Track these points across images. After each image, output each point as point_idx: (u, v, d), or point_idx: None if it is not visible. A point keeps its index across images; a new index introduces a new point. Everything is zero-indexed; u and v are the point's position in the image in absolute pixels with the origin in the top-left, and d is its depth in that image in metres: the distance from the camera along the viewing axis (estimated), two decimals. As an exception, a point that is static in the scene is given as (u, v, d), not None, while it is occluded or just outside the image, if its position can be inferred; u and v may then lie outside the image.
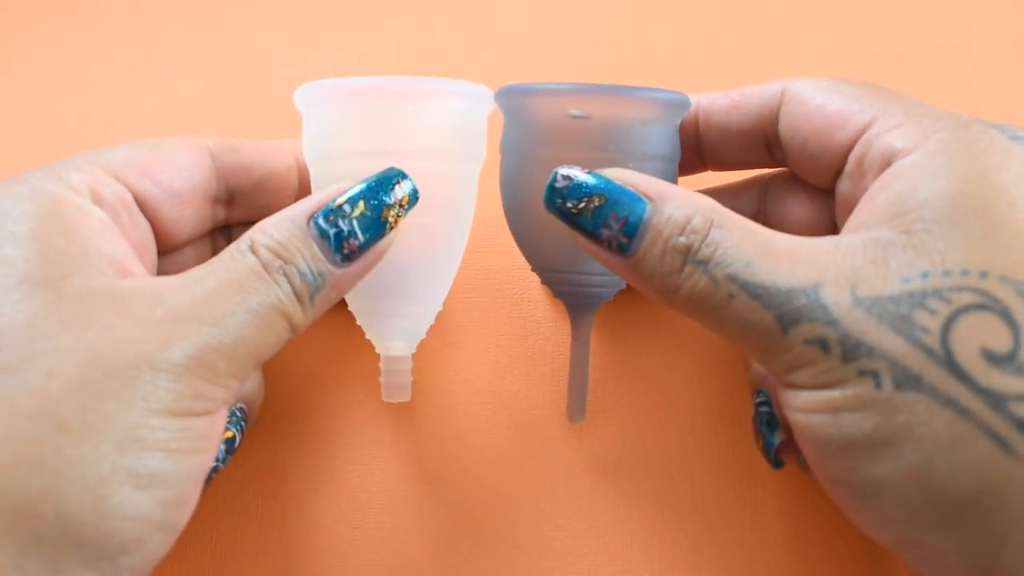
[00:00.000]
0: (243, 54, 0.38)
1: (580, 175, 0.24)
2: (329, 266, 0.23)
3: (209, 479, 0.25)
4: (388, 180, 0.24)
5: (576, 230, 0.24)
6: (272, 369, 0.32)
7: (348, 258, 0.23)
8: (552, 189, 0.24)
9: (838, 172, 0.26)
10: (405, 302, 0.28)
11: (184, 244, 0.28)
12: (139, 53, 0.38)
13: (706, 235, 0.22)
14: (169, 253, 0.28)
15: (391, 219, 0.24)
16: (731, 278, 0.22)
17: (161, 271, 0.27)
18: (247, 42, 0.38)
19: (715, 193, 0.31)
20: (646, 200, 0.23)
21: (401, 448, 0.31)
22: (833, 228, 0.28)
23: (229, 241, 0.30)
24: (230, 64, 0.38)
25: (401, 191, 0.24)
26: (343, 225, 0.23)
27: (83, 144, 0.35)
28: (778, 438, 0.26)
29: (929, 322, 0.20)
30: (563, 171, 0.24)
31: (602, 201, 0.23)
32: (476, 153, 0.28)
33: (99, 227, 0.23)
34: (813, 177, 0.27)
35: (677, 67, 0.38)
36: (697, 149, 0.29)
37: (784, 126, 0.27)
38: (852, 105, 0.25)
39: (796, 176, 0.29)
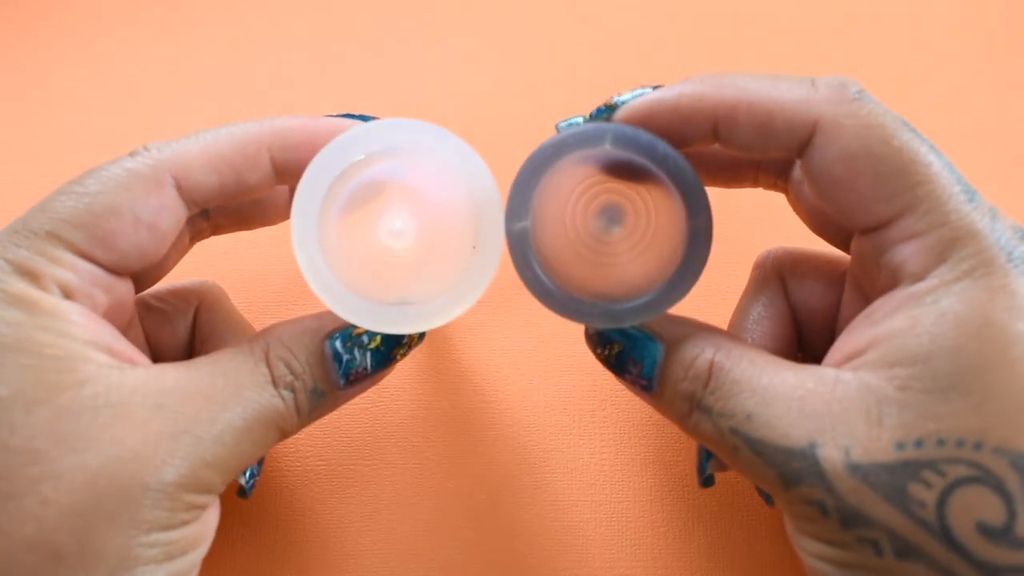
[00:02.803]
0: (263, 79, 0.39)
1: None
2: (333, 387, 0.24)
3: (249, 491, 0.27)
4: None
5: (610, 371, 0.25)
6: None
7: (351, 383, 0.24)
8: (586, 334, 0.25)
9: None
10: None
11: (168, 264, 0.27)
12: (165, 78, 0.39)
13: (707, 382, 0.22)
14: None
15: (399, 356, 0.25)
16: (734, 432, 0.22)
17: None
18: (267, 66, 0.39)
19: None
20: (660, 342, 0.23)
21: (411, 446, 0.33)
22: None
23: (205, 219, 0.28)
24: (250, 88, 0.38)
25: (415, 333, 0.25)
26: (357, 355, 0.24)
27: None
28: (711, 468, 0.27)
29: (925, 495, 0.20)
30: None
31: (620, 348, 0.24)
32: None
33: (80, 320, 0.22)
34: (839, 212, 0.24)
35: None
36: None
37: (806, 174, 0.23)
38: (880, 187, 0.22)
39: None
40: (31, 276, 0.22)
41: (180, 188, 0.24)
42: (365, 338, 0.24)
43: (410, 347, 0.25)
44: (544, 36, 0.40)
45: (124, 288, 0.25)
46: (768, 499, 0.28)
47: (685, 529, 0.32)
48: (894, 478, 0.20)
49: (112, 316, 0.24)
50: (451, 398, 0.33)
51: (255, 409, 0.22)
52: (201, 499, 0.22)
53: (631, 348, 0.24)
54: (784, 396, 0.21)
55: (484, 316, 0.35)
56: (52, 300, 0.22)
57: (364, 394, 0.33)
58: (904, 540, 0.20)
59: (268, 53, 0.40)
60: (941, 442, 0.20)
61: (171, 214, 0.24)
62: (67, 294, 0.22)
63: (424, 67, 0.39)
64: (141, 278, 0.26)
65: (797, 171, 0.27)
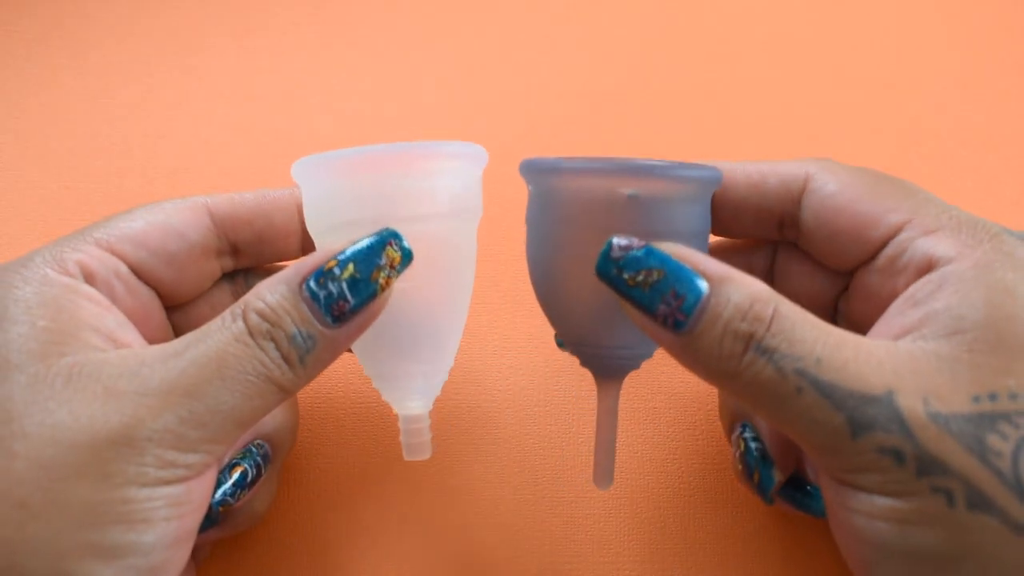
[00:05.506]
0: (273, 86, 0.40)
1: (637, 246, 0.23)
2: (320, 327, 0.23)
3: (217, 518, 0.26)
4: (380, 242, 0.24)
5: (629, 301, 0.23)
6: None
7: (339, 320, 0.23)
8: (607, 258, 0.23)
9: (861, 263, 0.26)
10: (416, 362, 0.28)
11: (195, 297, 0.28)
12: (181, 106, 0.40)
13: (770, 324, 0.22)
14: (183, 307, 0.28)
15: (381, 280, 0.24)
16: (800, 373, 0.21)
17: (179, 323, 0.28)
18: (276, 76, 0.40)
19: (729, 250, 0.30)
20: (704, 279, 0.23)
21: (418, 488, 0.33)
22: (834, 303, 0.28)
23: (246, 286, 0.30)
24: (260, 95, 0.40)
25: (393, 252, 0.24)
26: (332, 287, 0.23)
27: (120, 193, 0.38)
28: (776, 477, 0.27)
29: (1001, 446, 0.20)
30: (619, 240, 0.23)
31: (660, 276, 0.23)
32: (473, 210, 0.28)
33: (87, 304, 0.24)
34: (831, 261, 0.27)
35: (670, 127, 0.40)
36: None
37: (809, 215, 0.26)
38: (884, 202, 0.25)
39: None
40: (59, 263, 0.24)
41: (212, 215, 0.28)
42: (337, 270, 0.23)
43: (393, 267, 0.24)
44: (550, 53, 0.41)
45: (147, 295, 0.27)
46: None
47: (683, 525, 0.33)
48: (973, 428, 0.21)
49: (139, 323, 0.26)
50: (454, 398, 0.34)
51: (231, 364, 0.22)
52: (181, 457, 0.22)
53: (675, 279, 0.23)
54: (855, 349, 0.22)
55: (486, 318, 0.36)
56: (68, 280, 0.24)
57: (369, 396, 0.34)
58: (979, 490, 0.20)
59: (278, 64, 0.40)
60: (1014, 396, 0.21)
61: (200, 231, 0.27)
62: (88, 278, 0.24)
63: (430, 79, 0.40)
64: (166, 294, 0.28)
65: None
